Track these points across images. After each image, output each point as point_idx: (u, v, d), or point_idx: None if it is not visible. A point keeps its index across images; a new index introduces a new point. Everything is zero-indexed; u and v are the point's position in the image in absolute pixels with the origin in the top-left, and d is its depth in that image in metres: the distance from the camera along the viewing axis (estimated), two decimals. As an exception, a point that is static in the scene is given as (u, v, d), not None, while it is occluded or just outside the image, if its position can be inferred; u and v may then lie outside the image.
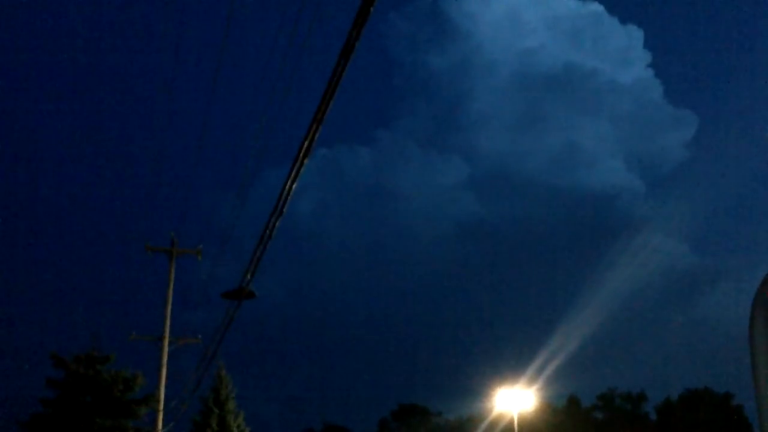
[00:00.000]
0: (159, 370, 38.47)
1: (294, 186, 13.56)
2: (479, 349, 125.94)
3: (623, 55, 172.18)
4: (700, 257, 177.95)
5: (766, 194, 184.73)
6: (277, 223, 15.32)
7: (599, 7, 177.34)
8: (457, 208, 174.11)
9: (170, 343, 38.94)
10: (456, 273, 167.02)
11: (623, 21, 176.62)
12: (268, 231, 15.86)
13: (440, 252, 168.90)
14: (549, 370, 65.43)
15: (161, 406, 38.10)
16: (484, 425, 67.05)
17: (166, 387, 38.79)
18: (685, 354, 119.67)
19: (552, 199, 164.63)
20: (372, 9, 8.83)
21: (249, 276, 19.98)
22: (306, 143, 12.17)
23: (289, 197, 14.11)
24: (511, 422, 51.73)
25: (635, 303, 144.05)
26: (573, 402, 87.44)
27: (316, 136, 11.90)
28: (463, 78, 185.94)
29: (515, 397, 50.86)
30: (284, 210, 14.74)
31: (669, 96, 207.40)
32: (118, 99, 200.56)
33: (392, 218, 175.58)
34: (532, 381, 57.29)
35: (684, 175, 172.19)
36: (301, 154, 12.51)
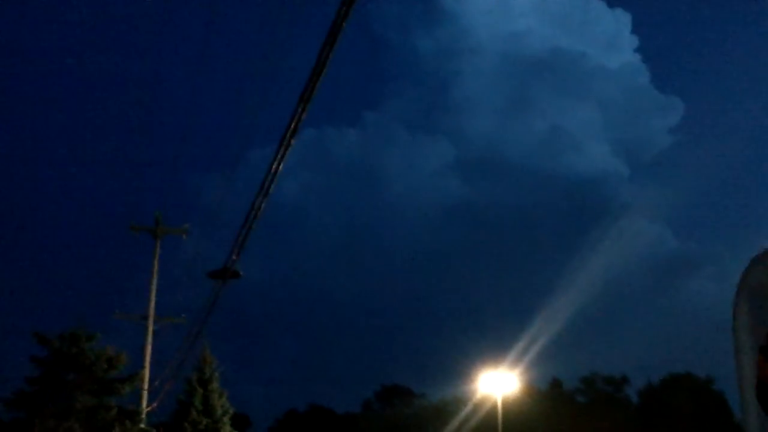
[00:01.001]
0: (143, 349, 38.53)
1: (281, 167, 13.63)
2: (463, 332, 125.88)
3: (611, 39, 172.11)
4: (684, 242, 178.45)
5: (750, 181, 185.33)
6: (263, 204, 15.40)
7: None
8: (442, 190, 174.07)
9: (155, 322, 38.99)
10: (441, 255, 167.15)
11: (611, 5, 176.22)
12: (253, 211, 15.94)
13: (425, 234, 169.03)
14: (532, 353, 65.69)
15: (146, 385, 38.18)
16: (467, 408, 67.30)
17: (151, 366, 38.85)
18: (668, 338, 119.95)
19: (537, 183, 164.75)
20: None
21: (234, 256, 20.08)
22: (293, 124, 12.24)
23: (275, 178, 14.19)
24: (494, 405, 51.97)
25: (619, 287, 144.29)
26: (556, 385, 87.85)
27: (303, 116, 11.96)
28: (451, 61, 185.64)
29: (499, 380, 51.08)
30: (270, 190, 14.81)
31: (656, 81, 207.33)
32: (101, 75, 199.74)
33: (378, 200, 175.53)
34: (515, 364, 57.53)
35: (669, 160, 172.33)
36: (288, 135, 12.57)
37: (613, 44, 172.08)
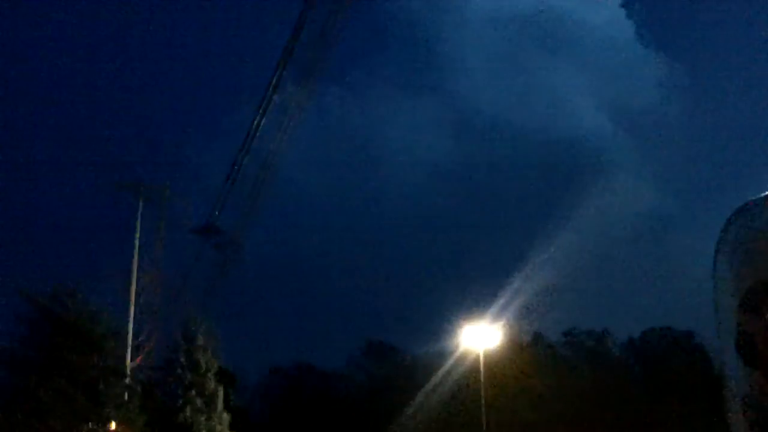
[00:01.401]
0: (127, 306, 38.64)
1: (262, 121, 13.64)
2: (447, 287, 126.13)
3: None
4: (668, 199, 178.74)
5: (735, 139, 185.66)
6: (245, 160, 15.42)
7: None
8: (428, 149, 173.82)
9: (138, 279, 39.08)
10: (426, 213, 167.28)
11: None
12: (236, 167, 15.96)
13: (411, 192, 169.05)
14: (514, 307, 66.12)
15: (130, 341, 38.30)
16: (450, 362, 67.69)
17: (136, 323, 38.99)
18: (650, 293, 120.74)
19: (521, 141, 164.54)
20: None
21: (217, 212, 20.13)
22: (274, 79, 12.23)
23: (256, 133, 14.20)
24: (477, 359, 52.31)
25: (602, 243, 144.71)
26: (538, 338, 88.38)
27: (283, 71, 11.96)
28: (436, 19, 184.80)
29: (481, 334, 51.41)
30: (250, 148, 14.83)
31: (640, 37, 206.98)
32: (86, 39, 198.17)
33: (364, 159, 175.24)
34: (497, 318, 57.88)
35: (654, 117, 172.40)
36: (270, 90, 12.57)
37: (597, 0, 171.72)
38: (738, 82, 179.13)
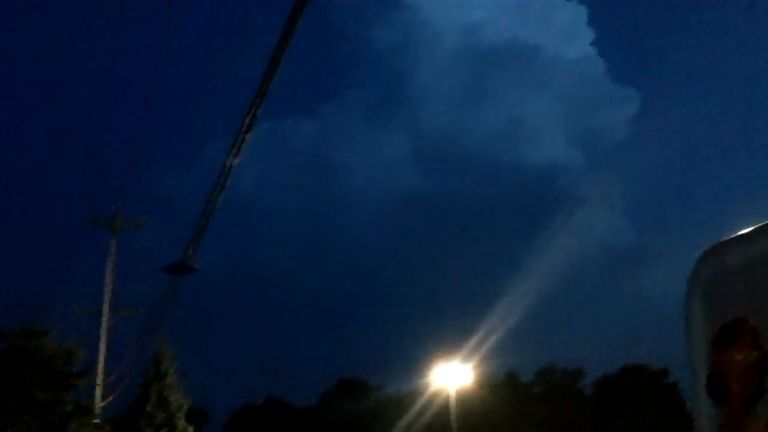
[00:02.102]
0: (99, 344, 38.30)
1: (236, 161, 13.60)
2: (420, 324, 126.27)
3: (567, 31, 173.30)
4: (640, 234, 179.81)
5: (704, 173, 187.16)
6: (220, 198, 15.37)
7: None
8: (399, 181, 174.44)
9: (111, 316, 38.77)
10: (397, 247, 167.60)
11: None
12: (210, 205, 15.91)
13: (382, 226, 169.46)
14: (487, 345, 65.97)
15: (100, 380, 37.94)
16: (422, 400, 67.45)
17: (107, 360, 38.64)
18: (623, 330, 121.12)
19: (493, 174, 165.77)
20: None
21: (191, 250, 20.02)
22: (247, 119, 12.21)
23: (231, 172, 14.16)
24: (449, 397, 52.20)
25: (575, 278, 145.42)
26: (511, 377, 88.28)
27: (258, 111, 11.93)
28: (408, 51, 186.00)
29: (452, 373, 51.34)
30: (226, 184, 14.79)
31: (612, 73, 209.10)
32: (58, 69, 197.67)
33: (335, 191, 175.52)
34: (470, 356, 57.77)
35: (625, 152, 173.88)
36: (243, 130, 12.54)
37: (570, 36, 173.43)
38: (709, 118, 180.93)
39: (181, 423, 46.29)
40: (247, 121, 12.10)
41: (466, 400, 61.46)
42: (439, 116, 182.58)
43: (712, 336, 4.01)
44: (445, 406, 55.75)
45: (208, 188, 15.43)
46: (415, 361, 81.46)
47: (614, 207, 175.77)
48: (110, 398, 39.23)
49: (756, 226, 4.06)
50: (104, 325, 38.24)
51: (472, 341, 63.25)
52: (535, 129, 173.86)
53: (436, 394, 60.71)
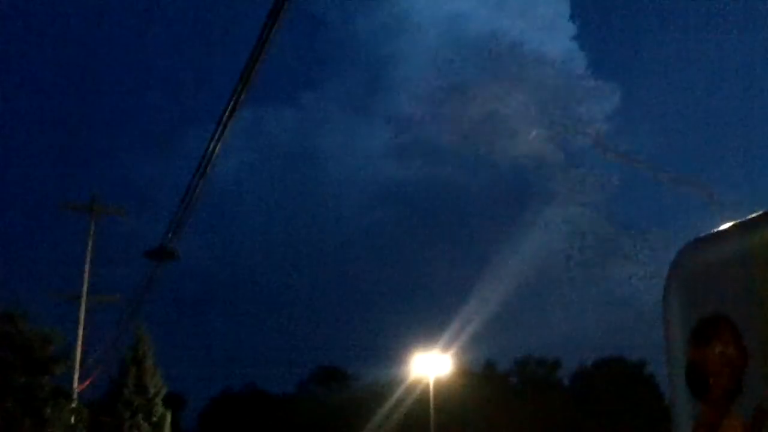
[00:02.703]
0: (77, 329, 38.25)
1: (218, 147, 13.58)
2: (399, 314, 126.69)
3: (549, 25, 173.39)
4: (619, 228, 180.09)
5: (685, 168, 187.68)
6: (201, 185, 15.34)
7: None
8: (378, 172, 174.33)
9: (89, 302, 38.71)
10: (377, 237, 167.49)
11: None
12: (191, 192, 15.87)
13: (362, 216, 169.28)
14: (466, 335, 66.22)
15: (78, 364, 37.89)
16: (400, 390, 67.61)
17: (85, 346, 38.59)
18: (601, 322, 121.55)
19: (472, 167, 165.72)
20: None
21: (170, 236, 19.99)
22: (230, 105, 12.19)
23: (212, 159, 14.13)
24: (428, 386, 52.33)
25: (553, 271, 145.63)
26: (489, 367, 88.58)
27: (242, 97, 11.91)
28: (390, 42, 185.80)
29: (431, 362, 51.46)
30: (207, 171, 14.76)
31: (592, 68, 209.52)
32: (35, 57, 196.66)
33: (315, 181, 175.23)
34: (448, 346, 57.95)
35: (604, 147, 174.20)
36: (225, 116, 12.52)
37: (552, 30, 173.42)
38: (689, 114, 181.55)
39: (159, 408, 46.24)
40: (230, 106, 12.08)
41: (444, 390, 61.60)
42: (419, 107, 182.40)
43: (691, 330, 4.05)
44: (424, 395, 55.92)
45: (189, 176, 15.40)
46: (393, 351, 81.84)
47: (592, 201, 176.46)
48: (87, 382, 39.20)
49: (734, 222, 4.10)
50: (83, 310, 38.20)
51: (451, 331, 63.50)
52: (514, 122, 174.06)
53: (414, 383, 60.86)
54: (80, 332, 38.15)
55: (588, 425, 78.18)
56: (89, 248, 38.57)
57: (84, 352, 38.57)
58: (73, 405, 36.97)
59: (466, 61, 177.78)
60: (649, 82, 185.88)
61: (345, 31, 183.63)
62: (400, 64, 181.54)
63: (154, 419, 45.74)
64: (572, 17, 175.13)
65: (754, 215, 4.03)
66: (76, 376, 37.72)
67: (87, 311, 38.50)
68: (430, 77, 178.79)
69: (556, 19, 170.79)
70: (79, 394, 38.22)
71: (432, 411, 49.54)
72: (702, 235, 4.32)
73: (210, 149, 13.88)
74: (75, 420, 36.96)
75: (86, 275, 38.53)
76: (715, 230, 4.22)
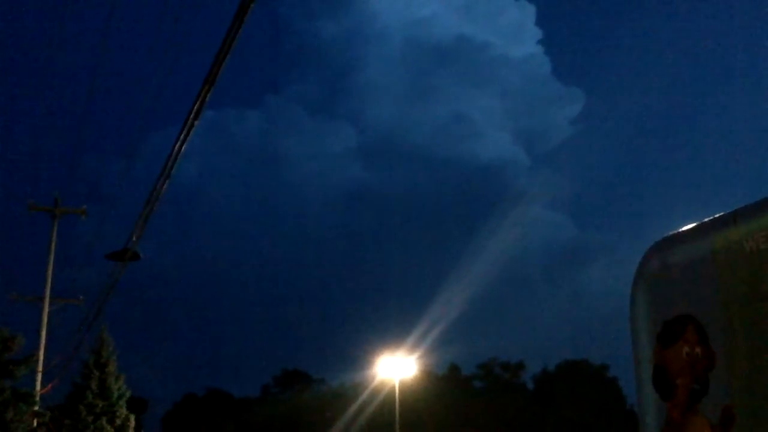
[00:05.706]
0: (39, 331, 37.94)
1: (183, 148, 13.50)
2: (363, 317, 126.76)
3: (515, 30, 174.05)
4: (582, 231, 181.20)
5: (648, 172, 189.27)
6: (165, 186, 15.25)
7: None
8: (344, 175, 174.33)
9: (51, 304, 38.41)
10: (342, 240, 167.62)
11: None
12: (155, 193, 15.78)
13: (326, 219, 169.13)
14: (431, 338, 66.28)
15: (40, 367, 37.59)
16: (366, 392, 67.58)
17: (47, 348, 38.28)
18: (565, 326, 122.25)
19: (438, 170, 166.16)
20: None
21: (134, 238, 19.86)
22: (196, 105, 12.13)
23: (177, 159, 14.06)
24: (392, 390, 52.29)
25: (518, 274, 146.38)
26: (453, 370, 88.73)
27: (207, 98, 11.86)
28: (355, 46, 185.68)
29: (397, 365, 51.41)
30: (172, 172, 14.68)
31: (557, 73, 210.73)
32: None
33: (280, 184, 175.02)
34: (414, 349, 57.96)
35: (568, 150, 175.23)
36: (191, 117, 12.46)
37: (517, 35, 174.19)
38: (652, 117, 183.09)
39: (122, 411, 45.98)
40: (195, 107, 12.01)
41: (409, 393, 61.64)
42: (384, 111, 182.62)
43: (657, 331, 4.06)
44: (389, 398, 55.87)
45: (153, 177, 15.29)
46: (359, 354, 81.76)
47: (557, 204, 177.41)
48: (50, 386, 38.90)
49: (698, 223, 4.12)
50: (45, 312, 37.90)
51: (416, 334, 63.54)
52: (480, 126, 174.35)
53: (380, 386, 60.83)
54: (43, 335, 37.84)
55: (551, 427, 78.50)
56: (52, 250, 38.27)
57: (47, 356, 38.28)
58: (35, 408, 36.69)
59: (432, 64, 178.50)
60: (614, 86, 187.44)
61: (313, 34, 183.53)
62: (369, 68, 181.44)
63: (118, 423, 45.47)
64: (539, 22, 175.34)
65: (717, 216, 4.05)
66: (38, 379, 37.41)
67: (50, 314, 38.21)
68: (395, 80, 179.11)
69: (522, 24, 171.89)
70: (42, 397, 37.92)
71: (398, 414, 49.51)
72: (667, 235, 4.34)
73: (175, 150, 13.80)
74: (37, 423, 36.69)
75: (49, 277, 38.22)
76: (680, 231, 4.23)
